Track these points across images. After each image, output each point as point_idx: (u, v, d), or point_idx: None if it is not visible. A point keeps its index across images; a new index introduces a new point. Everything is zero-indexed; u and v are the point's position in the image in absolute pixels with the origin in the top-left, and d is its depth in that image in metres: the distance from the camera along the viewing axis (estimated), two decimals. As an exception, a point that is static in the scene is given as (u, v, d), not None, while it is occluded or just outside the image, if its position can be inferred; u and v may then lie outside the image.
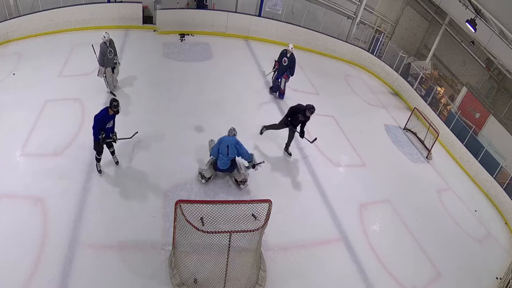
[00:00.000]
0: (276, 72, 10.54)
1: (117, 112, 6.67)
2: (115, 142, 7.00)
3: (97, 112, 6.62)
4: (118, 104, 6.61)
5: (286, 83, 10.64)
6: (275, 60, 10.50)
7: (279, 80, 10.60)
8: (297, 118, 8.20)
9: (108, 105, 6.60)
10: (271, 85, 10.97)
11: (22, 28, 11.05)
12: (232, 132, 7.10)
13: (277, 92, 10.82)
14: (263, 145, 8.79)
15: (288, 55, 10.16)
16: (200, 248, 5.14)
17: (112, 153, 7.26)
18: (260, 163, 7.57)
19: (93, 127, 6.55)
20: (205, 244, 5.02)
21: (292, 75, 10.48)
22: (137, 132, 7.53)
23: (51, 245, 5.67)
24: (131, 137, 7.39)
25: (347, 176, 9.00)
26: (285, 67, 10.30)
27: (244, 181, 7.44)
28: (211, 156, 7.25)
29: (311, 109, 7.99)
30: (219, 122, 9.10)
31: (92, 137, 6.70)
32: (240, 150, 7.10)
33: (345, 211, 7.81)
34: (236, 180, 7.48)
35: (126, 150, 7.67)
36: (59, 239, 5.78)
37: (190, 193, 7.11)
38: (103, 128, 6.61)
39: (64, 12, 11.60)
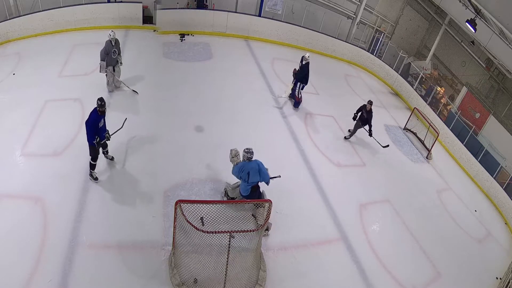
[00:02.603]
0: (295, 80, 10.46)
1: (104, 112, 6.52)
2: (109, 140, 6.95)
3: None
4: (104, 103, 6.47)
5: (301, 91, 10.53)
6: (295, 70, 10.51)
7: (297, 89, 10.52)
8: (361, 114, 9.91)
9: (96, 106, 6.47)
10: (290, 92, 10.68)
11: (22, 28, 11.05)
12: (248, 156, 6.23)
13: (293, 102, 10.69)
14: (263, 146, 8.77)
15: (303, 63, 10.22)
16: (200, 248, 5.14)
17: (106, 152, 7.20)
18: (276, 177, 6.92)
19: (87, 133, 6.44)
20: (205, 244, 5.02)
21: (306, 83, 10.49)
22: (126, 119, 7.42)
23: (51, 245, 5.67)
24: (121, 127, 7.35)
25: (347, 176, 8.99)
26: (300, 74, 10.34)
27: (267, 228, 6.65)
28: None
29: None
30: (219, 122, 9.13)
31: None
32: (262, 176, 6.38)
33: (345, 211, 7.82)
34: (253, 216, 6.55)
35: (125, 150, 7.68)
36: (59, 239, 5.78)
37: (190, 193, 7.10)
38: (97, 131, 6.51)
39: (64, 12, 11.60)
